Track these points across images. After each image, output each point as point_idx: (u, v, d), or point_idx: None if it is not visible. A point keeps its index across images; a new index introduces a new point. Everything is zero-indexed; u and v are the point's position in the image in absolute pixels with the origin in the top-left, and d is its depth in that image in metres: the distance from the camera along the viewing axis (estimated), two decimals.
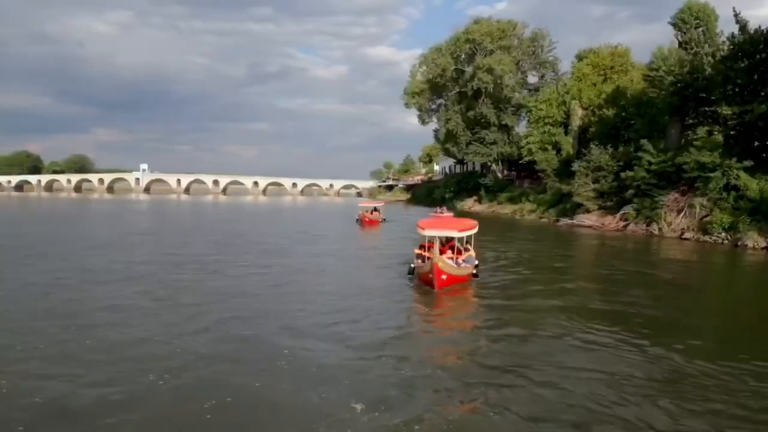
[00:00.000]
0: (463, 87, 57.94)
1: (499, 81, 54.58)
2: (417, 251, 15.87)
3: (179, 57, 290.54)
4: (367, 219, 37.03)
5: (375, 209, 40.61)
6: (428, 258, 14.12)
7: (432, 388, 7.53)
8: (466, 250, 16.00)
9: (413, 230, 30.85)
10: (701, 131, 33.97)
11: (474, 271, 15.35)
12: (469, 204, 63.53)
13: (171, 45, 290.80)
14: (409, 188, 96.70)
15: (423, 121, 65.36)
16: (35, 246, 22.10)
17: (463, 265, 15.09)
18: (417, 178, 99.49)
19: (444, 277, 13.49)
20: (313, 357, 8.57)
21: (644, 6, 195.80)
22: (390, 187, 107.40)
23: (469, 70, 56.89)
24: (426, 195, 79.02)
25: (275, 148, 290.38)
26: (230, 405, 6.78)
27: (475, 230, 16.31)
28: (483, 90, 56.13)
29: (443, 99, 63.08)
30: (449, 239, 16.37)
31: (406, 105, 61.66)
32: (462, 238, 15.81)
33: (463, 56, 57.87)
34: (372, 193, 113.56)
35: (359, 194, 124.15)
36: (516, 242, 28.43)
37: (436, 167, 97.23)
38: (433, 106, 64.81)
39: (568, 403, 7.05)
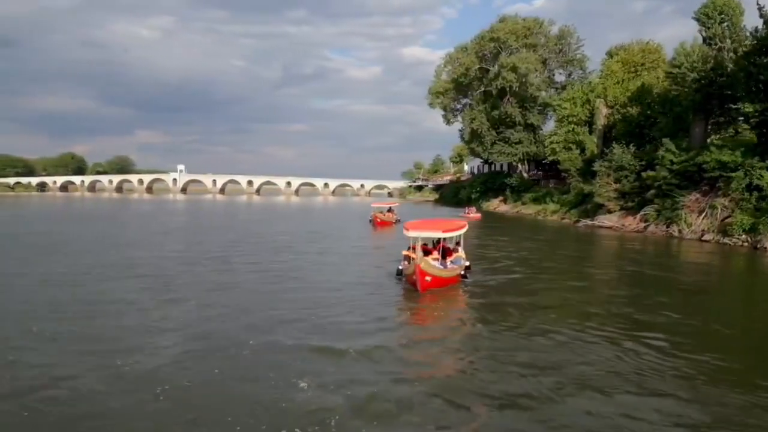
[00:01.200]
0: (487, 86, 57.63)
1: (523, 79, 54.06)
2: (405, 252, 15.71)
3: (218, 60, 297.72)
4: (379, 220, 37.05)
5: (389, 209, 40.35)
6: (413, 259, 14.08)
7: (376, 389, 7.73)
8: (455, 251, 16.02)
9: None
10: (727, 130, 32.98)
11: (462, 272, 15.29)
12: (494, 204, 63.11)
13: (210, 49, 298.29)
14: (438, 188, 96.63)
15: (448, 121, 65.27)
16: (63, 243, 23.55)
17: (451, 266, 15.07)
18: (446, 178, 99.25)
19: (428, 278, 13.40)
20: (270, 348, 9.04)
21: (687, 0, 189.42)
22: (420, 188, 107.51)
23: (493, 69, 56.51)
24: (453, 195, 78.82)
25: (312, 149, 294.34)
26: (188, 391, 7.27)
27: (462, 231, 16.20)
28: (508, 89, 55.71)
29: (468, 98, 62.82)
30: (439, 240, 16.47)
31: (430, 105, 61.72)
32: (451, 238, 15.81)
33: (487, 55, 57.50)
34: (402, 194, 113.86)
35: (390, 194, 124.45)
36: (526, 242, 28.27)
37: (466, 167, 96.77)
38: (459, 106, 64.65)
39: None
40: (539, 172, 59.42)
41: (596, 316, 12.03)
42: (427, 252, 15.00)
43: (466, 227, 16.61)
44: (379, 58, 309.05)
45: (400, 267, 15.44)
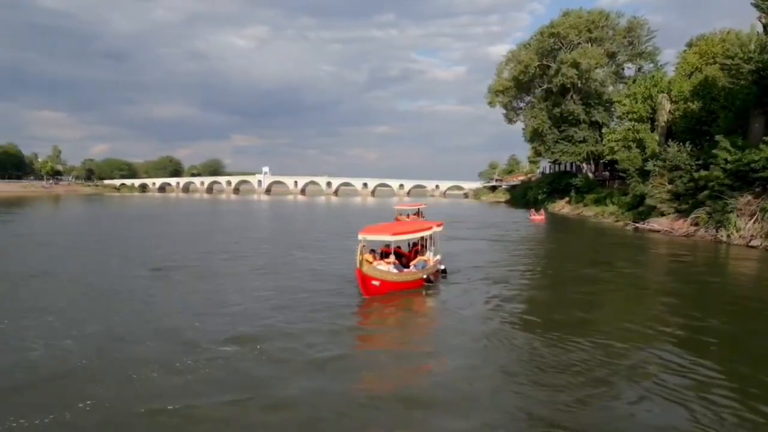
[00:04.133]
0: (549, 83, 55.71)
1: (586, 75, 51.71)
2: (367, 256, 14.93)
3: (308, 66, 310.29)
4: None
5: (417, 212, 37.88)
6: (368, 263, 13.63)
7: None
8: (421, 254, 15.74)
9: (468, 235, 31.02)
10: None
11: (426, 276, 14.67)
12: (560, 205, 60.87)
13: (301, 55, 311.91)
14: (511, 189, 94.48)
15: (510, 120, 63.73)
16: (117, 240, 26.39)
17: (411, 270, 14.76)
18: (518, 179, 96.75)
19: (376, 283, 13.10)
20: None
21: None
22: (494, 188, 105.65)
23: (554, 65, 54.53)
24: (522, 196, 76.86)
25: (396, 150, 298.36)
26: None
27: (424, 234, 15.74)
28: (570, 85, 53.56)
29: (531, 96, 61.02)
30: (416, 244, 16.34)
31: (490, 104, 60.54)
32: (407, 242, 15.53)
33: (548, 51, 55.55)
34: (477, 195, 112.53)
35: (465, 195, 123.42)
36: (550, 245, 27.47)
37: (540, 167, 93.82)
38: (521, 104, 62.95)
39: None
40: (605, 173, 56.49)
41: (570, 331, 10.87)
42: (386, 254, 15.00)
43: (433, 230, 16.25)
44: (464, 58, 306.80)
45: None
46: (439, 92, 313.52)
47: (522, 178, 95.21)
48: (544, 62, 55.81)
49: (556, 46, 54.98)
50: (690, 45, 50.53)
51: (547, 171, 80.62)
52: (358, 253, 12.91)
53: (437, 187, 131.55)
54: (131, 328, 10.68)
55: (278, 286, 15.11)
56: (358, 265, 12.88)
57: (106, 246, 24.24)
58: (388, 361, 9.64)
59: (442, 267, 16.53)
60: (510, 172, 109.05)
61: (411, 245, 16.62)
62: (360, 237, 13.77)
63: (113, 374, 8.19)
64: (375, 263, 13.87)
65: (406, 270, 14.85)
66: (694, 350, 9.90)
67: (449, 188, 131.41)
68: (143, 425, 6.72)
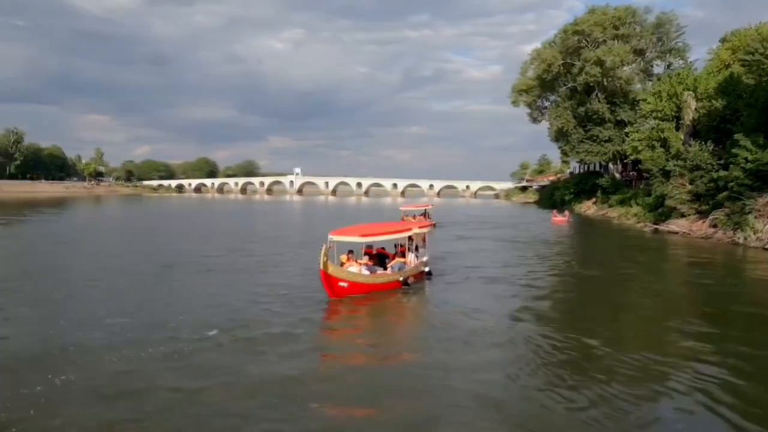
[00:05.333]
0: (573, 82, 54.67)
1: (610, 73, 50.52)
2: (342, 257, 14.54)
3: (343, 68, 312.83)
4: None
5: (423, 213, 37.58)
6: (341, 264, 13.77)
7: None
8: (402, 255, 15.67)
9: (478, 235, 30.87)
10: None
11: (402, 279, 14.51)
12: (586, 206, 59.70)
13: (336, 57, 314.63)
14: (540, 189, 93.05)
15: (534, 120, 62.80)
16: (139, 238, 27.62)
17: (386, 272, 14.71)
18: (548, 179, 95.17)
19: (344, 284, 13.05)
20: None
21: None
22: (524, 189, 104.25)
23: (578, 63, 53.46)
24: (549, 197, 75.68)
25: (429, 151, 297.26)
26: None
27: (399, 236, 15.65)
28: (595, 84, 52.43)
29: (555, 95, 59.96)
30: (402, 245, 16.12)
31: (513, 103, 59.81)
32: (393, 243, 15.60)
33: (572, 49, 54.47)
34: (507, 195, 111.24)
35: (497, 196, 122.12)
36: (555, 248, 27.08)
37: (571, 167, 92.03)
38: (546, 104, 61.91)
39: None
40: (632, 173, 55.01)
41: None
42: (373, 255, 15.26)
43: (414, 231, 16.20)
44: (500, 57, 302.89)
45: None
46: (473, 92, 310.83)
47: (552, 178, 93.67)
48: (568, 60, 54.73)
49: (580, 44, 53.83)
50: (724, 40, 48.81)
51: (577, 171, 79.12)
52: (322, 253, 12.68)
53: (468, 187, 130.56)
54: (112, 318, 11.38)
55: (268, 283, 15.55)
56: (321, 266, 12.72)
57: (127, 244, 25.71)
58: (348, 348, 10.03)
59: (427, 269, 16.38)
60: (541, 172, 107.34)
61: (397, 247, 16.38)
62: (329, 238, 13.74)
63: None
64: (347, 264, 13.88)
65: (380, 272, 14.71)
66: (691, 357, 9.66)
67: (480, 189, 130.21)
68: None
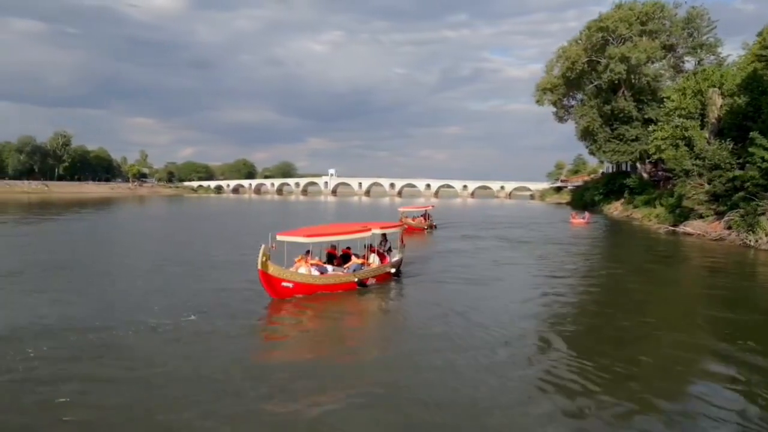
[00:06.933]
0: (598, 79, 53.38)
1: (636, 70, 49.11)
2: (296, 260, 14.54)
3: (381, 69, 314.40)
4: (406, 226, 32.65)
5: (424, 214, 36.90)
6: (297, 264, 14.04)
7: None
8: (356, 256, 15.73)
9: (486, 235, 30.82)
10: None
11: (358, 280, 14.59)
12: (614, 207, 58.42)
13: (374, 59, 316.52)
14: (574, 190, 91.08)
15: (560, 119, 61.54)
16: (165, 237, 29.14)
17: (340, 272, 14.75)
18: (582, 179, 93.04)
19: (288, 284, 13.18)
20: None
21: None
22: (559, 189, 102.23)
23: (603, 60, 52.15)
24: (579, 198, 74.22)
25: (466, 151, 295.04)
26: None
27: (353, 237, 15.61)
28: (622, 81, 51.08)
29: (581, 94, 58.60)
30: (370, 245, 16.27)
31: (537, 102, 58.67)
32: (329, 243, 15.65)
33: (597, 46, 53.12)
34: (542, 196, 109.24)
35: (532, 197, 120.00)
36: (555, 248, 26.70)
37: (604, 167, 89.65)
38: (572, 102, 60.59)
39: None
40: (660, 173, 53.23)
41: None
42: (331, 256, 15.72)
43: (372, 233, 16.23)
44: (540, 55, 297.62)
45: None
46: (511, 91, 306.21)
47: (586, 178, 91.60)
48: (593, 58, 53.43)
49: (605, 41, 52.48)
50: (760, 34, 46.69)
51: (610, 171, 77.13)
52: (260, 253, 12.71)
53: (502, 188, 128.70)
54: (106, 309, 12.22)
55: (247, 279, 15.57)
56: (259, 266, 12.79)
57: (150, 243, 27.10)
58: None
59: (392, 270, 16.41)
60: (576, 172, 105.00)
61: (366, 248, 16.21)
62: (276, 238, 13.69)
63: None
64: (298, 264, 14.13)
65: (331, 272, 14.69)
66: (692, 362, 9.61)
67: (515, 189, 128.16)
68: None
